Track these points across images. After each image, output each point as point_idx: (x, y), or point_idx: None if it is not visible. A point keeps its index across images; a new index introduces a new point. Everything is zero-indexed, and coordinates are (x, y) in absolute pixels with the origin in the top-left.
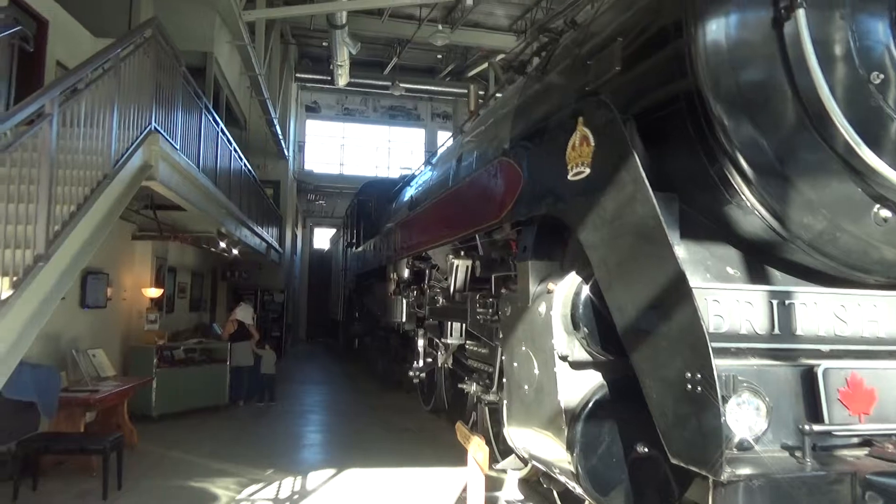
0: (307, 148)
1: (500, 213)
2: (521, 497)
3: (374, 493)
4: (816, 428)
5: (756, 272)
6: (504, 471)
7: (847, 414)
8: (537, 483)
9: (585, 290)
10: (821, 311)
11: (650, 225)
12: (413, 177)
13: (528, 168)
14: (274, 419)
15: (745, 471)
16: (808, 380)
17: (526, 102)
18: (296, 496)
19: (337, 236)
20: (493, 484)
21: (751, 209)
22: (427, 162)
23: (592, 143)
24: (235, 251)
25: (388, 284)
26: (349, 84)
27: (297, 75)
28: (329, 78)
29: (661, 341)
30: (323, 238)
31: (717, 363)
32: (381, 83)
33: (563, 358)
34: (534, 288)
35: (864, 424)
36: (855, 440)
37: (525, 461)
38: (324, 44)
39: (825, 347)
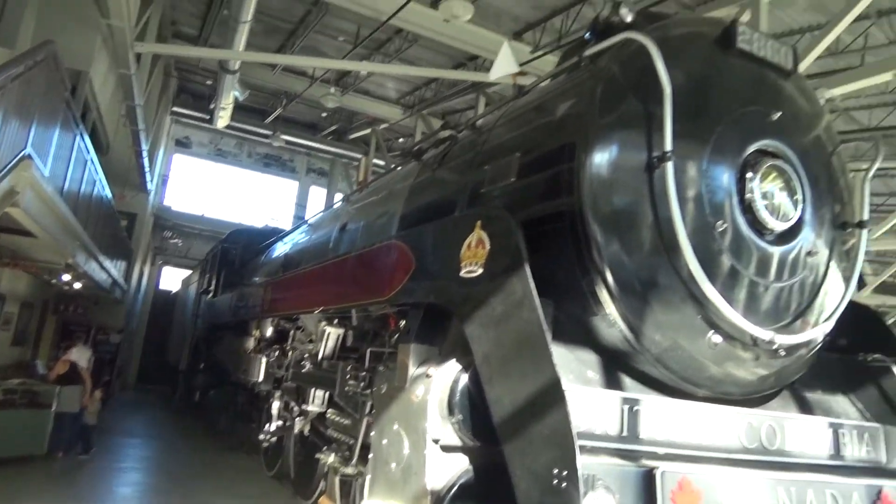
0: (170, 183)
1: (388, 292)
2: None
3: None
4: None
5: (611, 378)
6: None
7: None
8: None
9: (464, 379)
10: (660, 417)
11: (534, 331)
12: (286, 233)
13: (420, 255)
14: (93, 476)
15: None
16: (649, 480)
17: (419, 187)
18: None
19: (190, 280)
20: None
21: (612, 322)
22: (303, 221)
23: (488, 247)
24: (78, 284)
25: (248, 340)
26: (228, 127)
27: (174, 109)
28: (208, 117)
29: (534, 437)
30: (171, 278)
31: (579, 461)
32: (261, 131)
33: (435, 441)
34: (413, 370)
35: None
36: None
37: None
38: (208, 82)
39: (661, 450)
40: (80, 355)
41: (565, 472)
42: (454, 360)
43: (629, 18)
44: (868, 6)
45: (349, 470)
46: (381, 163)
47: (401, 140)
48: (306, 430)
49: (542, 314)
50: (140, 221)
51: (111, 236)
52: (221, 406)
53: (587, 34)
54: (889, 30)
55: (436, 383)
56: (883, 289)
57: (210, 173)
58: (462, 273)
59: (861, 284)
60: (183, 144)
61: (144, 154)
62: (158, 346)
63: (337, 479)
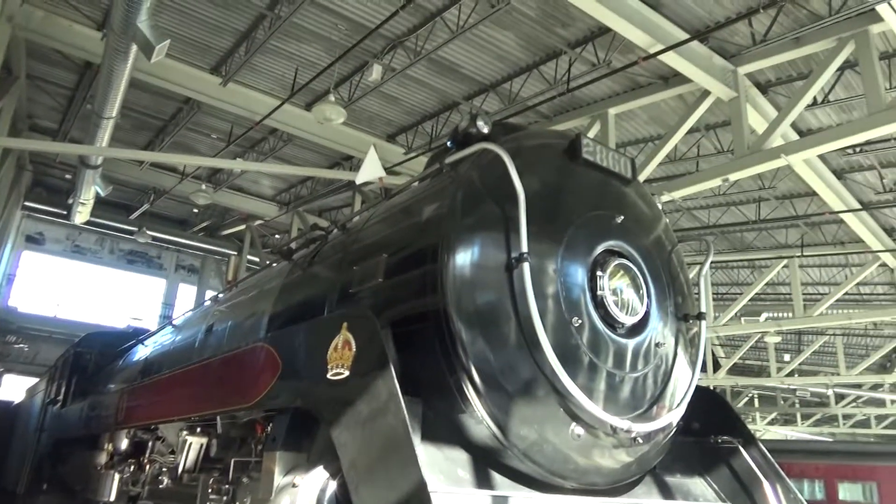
0: (17, 282)
1: (255, 396)
2: None
3: None
4: None
5: (481, 476)
6: None
7: None
8: None
9: (332, 487)
10: None
11: (399, 433)
12: (149, 335)
13: (287, 357)
14: None
15: None
16: None
17: (290, 286)
18: None
19: (36, 389)
20: None
21: (480, 419)
22: (168, 322)
23: (354, 349)
24: None
25: (99, 455)
26: (87, 222)
27: (26, 203)
28: (64, 212)
29: None
30: (15, 387)
31: None
32: (125, 227)
33: None
34: (279, 480)
35: None
36: None
37: None
38: (67, 177)
39: None
40: None
41: None
42: (322, 467)
43: (486, 130)
44: (697, 121)
45: None
46: (257, 259)
47: (277, 236)
48: None
49: (408, 416)
50: None
51: None
52: None
53: (449, 142)
54: (717, 141)
55: (302, 493)
56: (735, 370)
57: (65, 271)
58: (329, 375)
59: (716, 367)
60: (35, 241)
61: None
62: None
63: None
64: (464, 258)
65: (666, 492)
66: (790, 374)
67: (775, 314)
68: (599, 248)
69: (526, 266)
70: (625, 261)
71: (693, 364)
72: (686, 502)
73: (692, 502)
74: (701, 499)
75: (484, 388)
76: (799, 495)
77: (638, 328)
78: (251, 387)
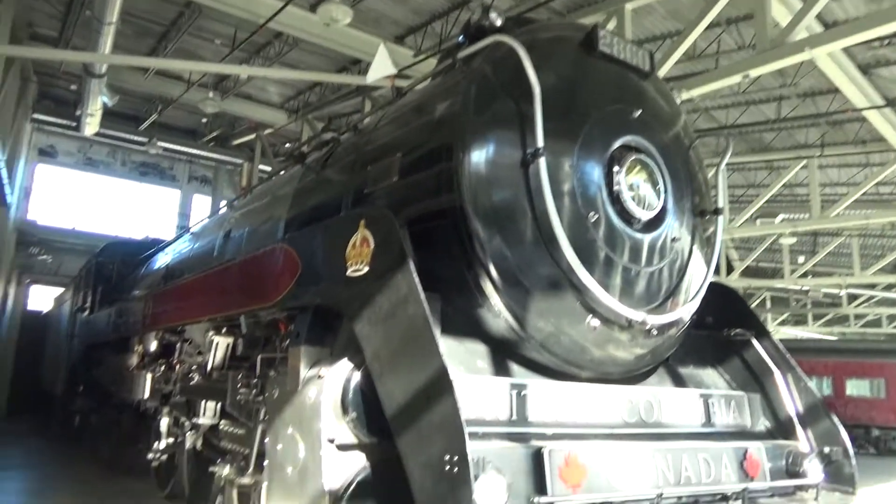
0: (34, 196)
1: (276, 296)
2: None
3: None
4: (542, 500)
5: (500, 365)
6: None
7: (564, 487)
8: None
9: (356, 377)
10: (547, 400)
11: (420, 324)
12: (167, 243)
13: (307, 257)
14: None
15: None
16: (537, 459)
17: (304, 190)
18: None
19: (63, 298)
20: None
21: (498, 312)
22: (185, 230)
23: (372, 245)
24: None
25: (130, 357)
26: (98, 134)
27: (35, 116)
28: (74, 124)
29: (425, 427)
30: (42, 297)
31: (469, 445)
32: (135, 138)
33: (331, 441)
34: (305, 372)
35: (577, 496)
36: None
37: None
38: (72, 87)
39: (549, 430)
40: None
41: (456, 458)
42: (346, 359)
43: (499, 23)
44: (718, 14)
45: (246, 480)
46: (268, 168)
47: (287, 145)
48: (199, 445)
49: (428, 308)
50: (1, 238)
51: None
52: (105, 430)
53: (461, 37)
54: (738, 36)
55: (328, 384)
56: (748, 273)
57: (80, 184)
58: (348, 272)
59: (729, 270)
60: (47, 154)
61: (2, 164)
62: (30, 372)
63: (234, 492)
64: (479, 155)
65: (678, 381)
66: (804, 276)
67: (791, 215)
68: (616, 144)
69: (542, 161)
70: (642, 156)
71: (708, 260)
72: (697, 389)
73: (703, 390)
74: (713, 387)
75: (502, 284)
76: (809, 384)
77: (654, 223)
78: (272, 287)
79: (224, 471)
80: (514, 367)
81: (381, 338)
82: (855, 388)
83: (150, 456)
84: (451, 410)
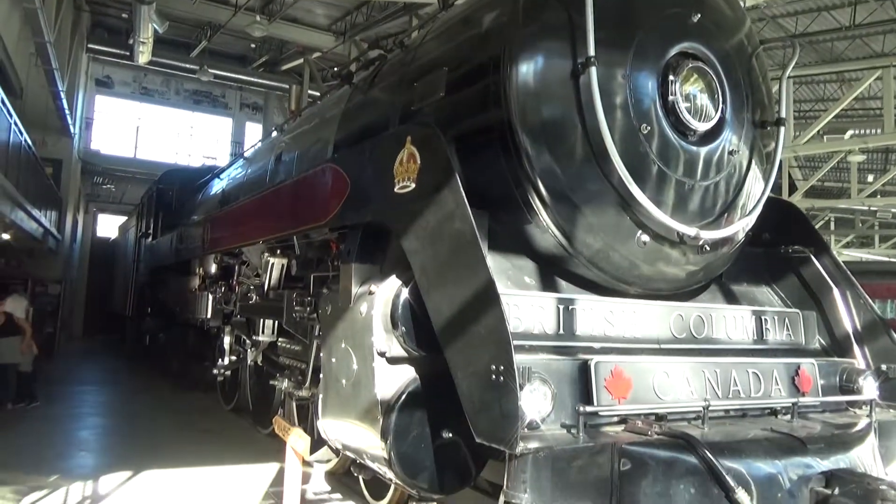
0: (96, 126)
1: (327, 216)
2: (329, 488)
3: (175, 494)
4: (588, 409)
5: (547, 281)
6: (312, 464)
7: (610, 398)
8: (343, 475)
9: (405, 293)
10: (595, 315)
11: (467, 239)
12: (222, 169)
13: (355, 176)
14: (50, 422)
15: (533, 445)
16: (584, 371)
17: (352, 111)
18: (87, 501)
19: (128, 225)
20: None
21: (546, 228)
22: (239, 156)
23: (419, 162)
24: (7, 235)
25: (192, 279)
26: (150, 63)
27: (90, 46)
28: (127, 53)
29: (472, 339)
30: (109, 225)
31: (516, 358)
32: (187, 66)
33: (382, 354)
34: (356, 289)
35: (622, 406)
36: (616, 419)
37: (336, 452)
38: (123, 16)
39: (597, 345)
40: (16, 305)
41: (502, 367)
42: (395, 276)
43: None
44: None
45: (303, 393)
46: (318, 94)
47: (336, 69)
48: (259, 361)
49: (475, 223)
50: (67, 167)
51: (36, 184)
52: (173, 348)
53: None
54: None
55: (378, 299)
56: (812, 193)
57: (137, 113)
58: (396, 189)
59: (792, 190)
60: (104, 84)
61: (62, 95)
62: (102, 295)
63: (294, 404)
64: (528, 68)
65: (731, 298)
66: (872, 195)
67: (862, 131)
68: (673, 51)
69: (593, 71)
70: (700, 64)
71: (767, 175)
72: (750, 307)
73: (756, 307)
74: (767, 305)
75: (550, 200)
76: (869, 301)
77: (711, 135)
78: (322, 207)
79: (283, 384)
80: (563, 284)
81: (428, 253)
82: None
83: (215, 372)
84: (497, 322)
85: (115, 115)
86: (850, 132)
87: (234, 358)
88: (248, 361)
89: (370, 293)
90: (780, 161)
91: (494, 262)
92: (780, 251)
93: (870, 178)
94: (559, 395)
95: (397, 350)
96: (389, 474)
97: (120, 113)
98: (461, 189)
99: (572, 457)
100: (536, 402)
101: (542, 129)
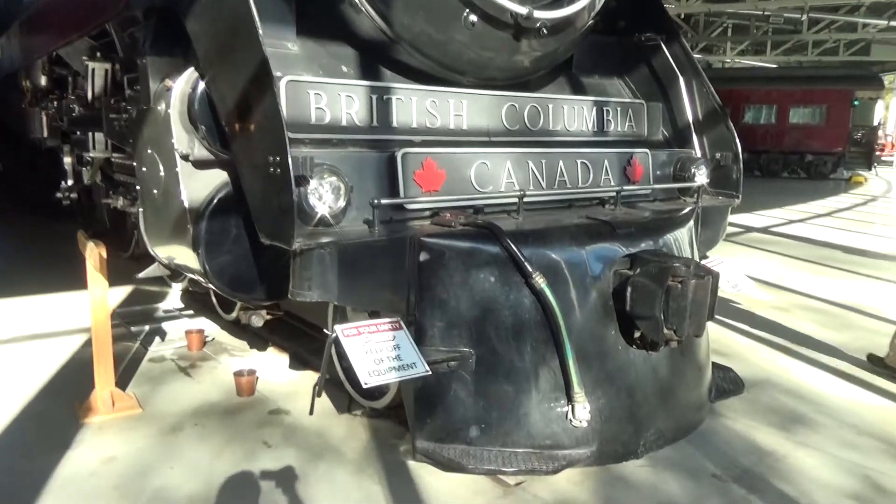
0: None
1: (120, 3)
2: (182, 305)
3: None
4: (383, 201)
5: (368, 70)
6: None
7: (420, 191)
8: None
9: (202, 86)
10: (414, 106)
11: (242, 14)
12: None
13: None
14: None
15: (320, 241)
16: (389, 163)
17: None
18: None
19: None
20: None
21: (360, 7)
22: None
23: None
24: None
25: (21, 94)
26: None
27: None
28: None
29: (252, 129)
30: None
31: (302, 150)
32: None
33: (185, 157)
34: (154, 86)
35: (427, 197)
36: (428, 213)
37: (168, 268)
38: None
39: (417, 138)
40: None
41: (278, 159)
42: (192, 68)
43: None
44: None
45: (134, 209)
46: None
47: None
48: (98, 179)
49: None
50: None
51: None
52: (25, 173)
53: None
54: None
55: (174, 95)
56: None
57: None
58: None
59: None
60: None
61: None
62: None
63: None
64: None
65: (579, 90)
66: None
67: None
68: None
69: None
70: None
71: None
72: (593, 97)
73: (599, 97)
74: (615, 96)
75: None
76: (712, 90)
77: None
78: None
79: (119, 203)
80: (387, 73)
81: (209, 34)
82: (797, 116)
83: (59, 195)
84: (271, 110)
85: None
86: None
87: (75, 180)
88: (85, 181)
89: (167, 89)
90: None
91: (304, 49)
92: (632, 39)
93: None
94: (364, 189)
95: (201, 152)
96: (209, 285)
97: None
98: None
99: (364, 251)
100: (324, 196)
101: None
